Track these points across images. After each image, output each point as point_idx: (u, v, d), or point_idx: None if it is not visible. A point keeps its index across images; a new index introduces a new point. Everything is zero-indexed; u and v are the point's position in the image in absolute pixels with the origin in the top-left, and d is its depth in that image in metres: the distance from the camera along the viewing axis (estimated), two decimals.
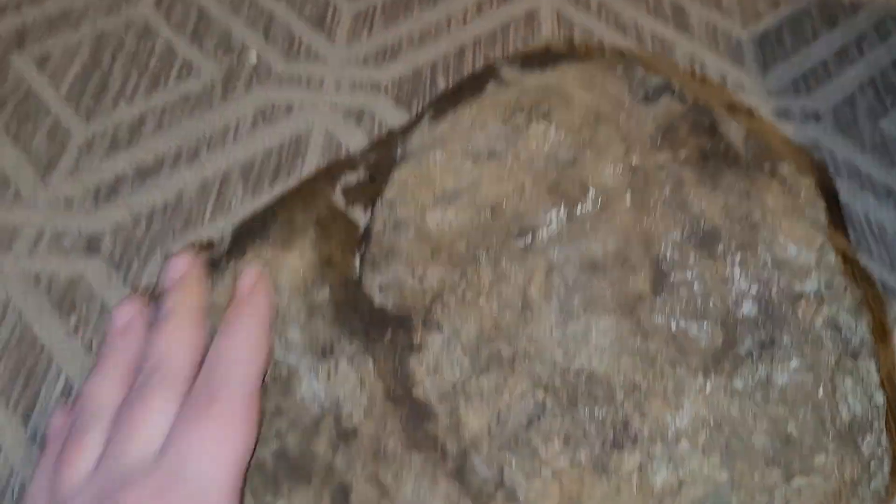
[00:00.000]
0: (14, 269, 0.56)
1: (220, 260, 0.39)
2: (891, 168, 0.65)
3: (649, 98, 0.41)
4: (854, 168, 0.65)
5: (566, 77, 0.41)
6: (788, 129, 0.68)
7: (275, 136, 0.65)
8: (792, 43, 0.75)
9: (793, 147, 0.60)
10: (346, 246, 0.39)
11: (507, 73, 0.42)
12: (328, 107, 0.68)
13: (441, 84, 0.70)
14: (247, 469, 0.33)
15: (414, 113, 0.66)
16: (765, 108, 0.69)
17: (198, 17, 0.74)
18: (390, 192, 0.39)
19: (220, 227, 0.59)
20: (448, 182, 0.38)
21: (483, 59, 0.72)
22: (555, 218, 0.37)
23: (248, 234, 0.40)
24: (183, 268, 0.38)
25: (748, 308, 0.35)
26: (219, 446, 0.31)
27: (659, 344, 0.34)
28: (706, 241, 0.36)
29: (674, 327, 0.35)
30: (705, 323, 0.35)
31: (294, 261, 0.38)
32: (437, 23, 0.75)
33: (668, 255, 0.36)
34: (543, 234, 0.37)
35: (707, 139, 0.39)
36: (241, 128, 0.66)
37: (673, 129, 0.39)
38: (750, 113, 0.61)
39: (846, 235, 0.59)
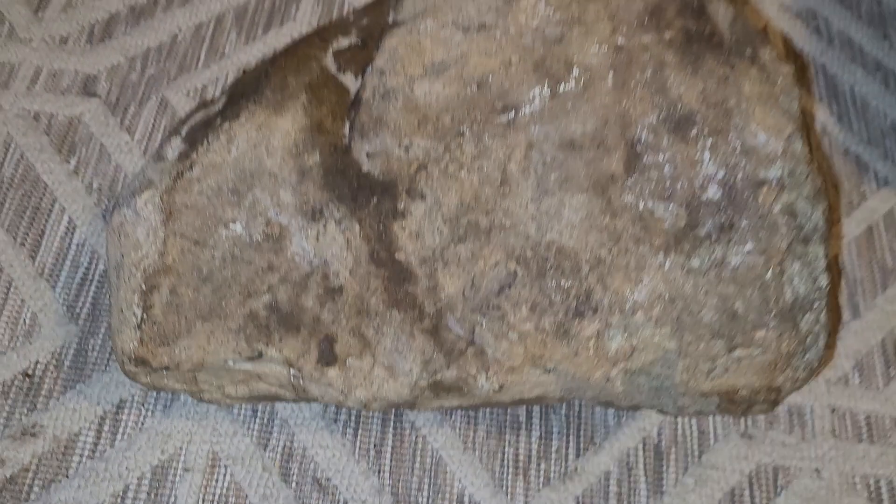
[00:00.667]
0: (13, 107, 0.57)
1: (214, 119, 0.41)
2: (883, 40, 0.66)
3: None
4: (847, 38, 0.66)
5: None
6: None
7: None
8: None
9: (777, 33, 0.60)
10: (336, 111, 0.40)
11: None
12: None
13: None
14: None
15: None
16: None
17: None
18: (380, 60, 0.40)
19: (213, 73, 0.60)
20: (437, 53, 0.39)
21: None
22: (538, 95, 0.38)
23: (241, 95, 0.41)
24: None
25: (713, 192, 0.37)
26: None
27: (626, 222, 0.37)
28: (681, 125, 0.38)
29: (641, 207, 0.37)
30: (671, 204, 0.37)
31: (286, 124, 0.40)
32: None
33: (643, 137, 0.38)
34: (526, 111, 0.38)
35: (693, 21, 0.39)
36: None
37: (661, 9, 0.40)
38: None
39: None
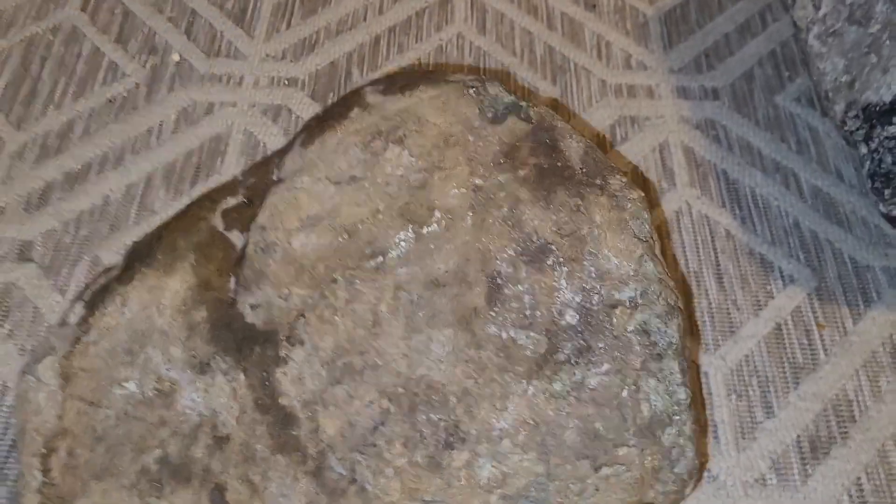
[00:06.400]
0: None
1: (111, 283, 0.43)
2: (780, 143, 0.69)
3: (497, 118, 0.44)
4: (746, 144, 0.69)
5: (422, 101, 0.45)
6: (686, 107, 0.71)
7: (196, 137, 0.69)
8: (697, 18, 0.78)
9: (626, 162, 0.64)
10: (223, 268, 0.43)
11: (371, 97, 0.46)
12: (247, 105, 0.71)
13: (356, 76, 0.73)
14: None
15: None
16: (665, 88, 0.73)
17: (123, 19, 0.77)
18: (262, 217, 0.43)
19: (143, 229, 0.63)
20: (312, 207, 0.42)
21: (398, 47, 0.75)
22: (403, 240, 0.41)
23: (136, 258, 0.44)
24: None
25: (570, 317, 0.39)
26: None
27: (490, 353, 0.39)
28: (537, 256, 0.40)
29: (504, 337, 0.39)
30: (532, 332, 0.39)
31: (175, 284, 0.42)
32: (355, 12, 0.78)
33: (502, 270, 0.40)
34: (393, 254, 0.41)
35: (546, 158, 0.42)
36: (164, 129, 0.69)
37: (515, 149, 0.43)
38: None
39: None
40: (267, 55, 0.74)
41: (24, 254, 0.62)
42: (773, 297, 0.61)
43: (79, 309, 0.44)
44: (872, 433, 0.55)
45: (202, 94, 0.72)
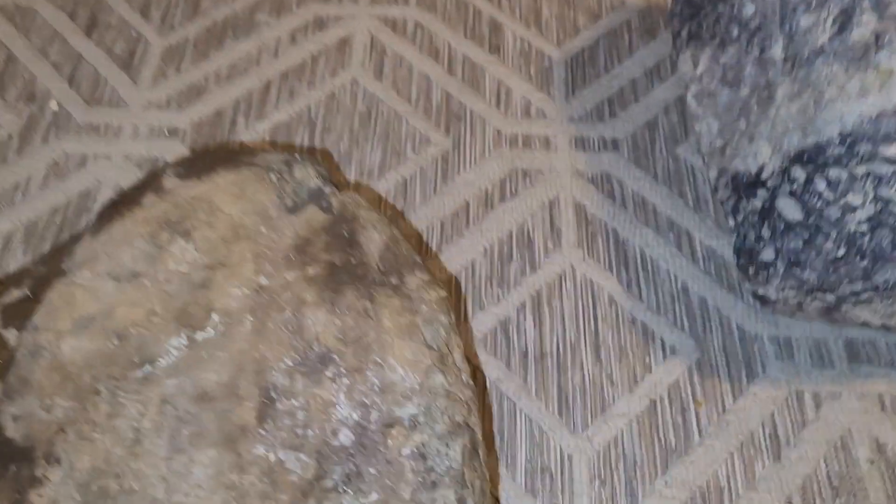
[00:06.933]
0: None
1: None
2: (678, 198, 0.65)
3: (298, 207, 0.41)
4: (641, 200, 0.65)
5: (218, 186, 0.41)
6: (582, 160, 0.68)
7: (64, 193, 0.66)
8: (605, 60, 0.75)
9: (434, 257, 0.60)
10: None
11: (168, 181, 0.42)
12: (122, 157, 0.68)
13: (241, 125, 0.70)
14: None
15: None
16: (563, 138, 0.69)
17: (5, 63, 0.74)
18: (38, 316, 0.40)
19: None
20: (88, 306, 0.39)
21: (289, 94, 0.72)
22: (175, 346, 0.38)
23: None
24: None
25: (344, 437, 0.36)
26: None
27: (254, 477, 0.36)
28: (317, 366, 0.37)
29: (272, 459, 0.36)
30: (302, 454, 0.36)
31: None
32: (248, 56, 0.75)
33: (277, 382, 0.37)
34: (163, 363, 0.38)
35: (341, 253, 0.39)
36: (31, 184, 0.66)
37: (309, 244, 0.40)
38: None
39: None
40: (150, 102, 0.71)
41: None
42: (650, 371, 0.57)
43: None
44: None
45: (77, 145, 0.69)
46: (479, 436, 0.38)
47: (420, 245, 0.63)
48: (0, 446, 0.38)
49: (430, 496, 0.35)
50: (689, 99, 0.55)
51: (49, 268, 0.43)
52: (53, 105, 0.71)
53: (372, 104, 0.71)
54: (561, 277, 0.61)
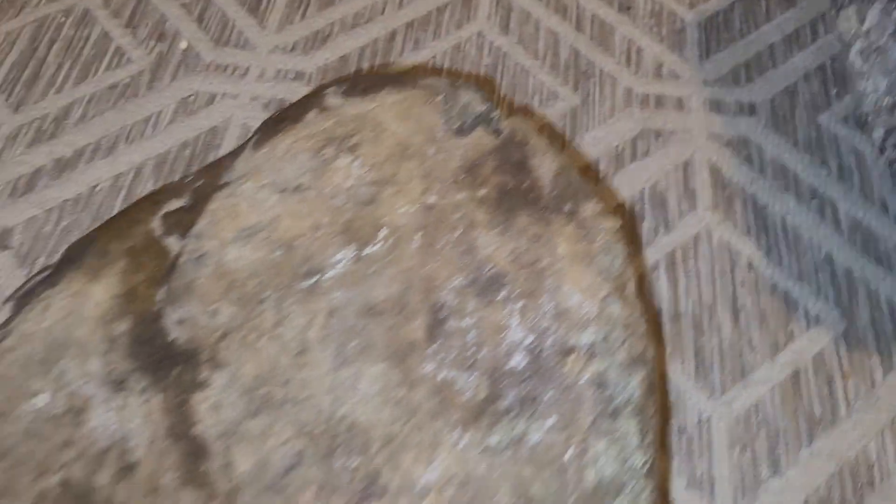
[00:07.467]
0: None
1: (36, 287, 0.40)
2: (819, 167, 0.62)
3: (464, 130, 0.40)
4: (781, 167, 0.63)
5: (384, 106, 0.40)
6: (718, 123, 0.65)
7: (192, 128, 0.66)
8: (741, 25, 0.72)
9: (604, 187, 0.58)
10: (154, 277, 0.40)
11: (331, 100, 0.42)
12: (249, 97, 0.68)
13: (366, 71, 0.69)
14: None
15: None
16: (697, 100, 0.67)
17: (136, 3, 0.74)
18: (201, 224, 0.40)
19: None
20: (252, 216, 0.39)
21: (414, 43, 0.71)
22: (343, 259, 0.37)
23: (68, 260, 0.41)
24: None
25: (518, 360, 0.34)
26: None
27: (423, 395, 0.34)
28: (488, 287, 0.36)
29: (441, 378, 0.35)
30: (473, 374, 0.34)
31: (100, 292, 0.39)
32: (373, 5, 0.74)
33: (447, 301, 0.36)
34: (330, 275, 0.37)
35: (511, 177, 0.38)
36: (161, 119, 0.67)
37: (478, 166, 0.38)
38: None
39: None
40: (276, 46, 0.71)
41: (2, 240, 0.60)
42: (793, 340, 0.54)
43: (6, 310, 0.41)
44: (893, 503, 0.48)
45: (205, 84, 0.69)
46: (657, 373, 0.36)
47: None
48: (163, 349, 0.38)
49: (611, 425, 0.33)
50: (853, 56, 0.52)
51: (207, 180, 0.43)
52: (183, 44, 0.71)
53: (498, 58, 0.70)
54: (696, 239, 0.59)
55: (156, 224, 0.41)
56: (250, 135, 0.42)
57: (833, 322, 0.55)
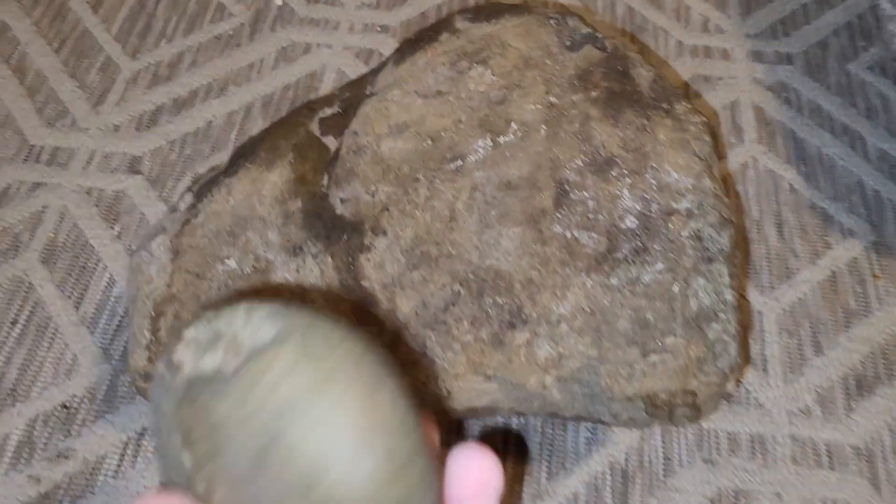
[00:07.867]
0: (70, 184, 0.67)
1: (218, 176, 0.49)
2: (850, 108, 0.71)
3: (574, 46, 0.48)
4: (816, 107, 0.71)
5: (506, 28, 0.49)
6: (759, 70, 0.74)
7: (293, 73, 0.74)
8: None
9: (693, 93, 0.66)
10: (318, 166, 0.48)
11: (460, 23, 0.50)
12: (341, 47, 0.76)
13: None
14: None
15: None
16: (740, 51, 0.75)
17: None
18: (355, 124, 0.48)
19: None
20: (401, 116, 0.47)
21: None
22: (481, 146, 0.45)
23: (241, 156, 0.49)
24: None
25: (630, 221, 0.43)
26: None
27: (554, 249, 0.43)
28: (603, 167, 0.44)
29: (568, 236, 0.43)
30: (593, 233, 0.43)
31: (275, 178, 0.47)
32: None
33: (570, 178, 0.44)
34: (471, 159, 0.45)
35: (617, 82, 0.46)
36: (264, 65, 0.75)
37: (589, 73, 0.47)
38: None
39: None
40: (363, 3, 0.79)
41: (133, 167, 0.68)
42: (830, 248, 0.63)
43: (188, 198, 0.50)
44: None
45: (301, 35, 0.77)
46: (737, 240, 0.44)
47: None
48: (332, 221, 0.46)
49: (708, 268, 0.42)
50: (884, 2, 0.61)
51: (352, 93, 0.51)
52: (279, 1, 0.79)
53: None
54: (744, 166, 0.68)
55: (314, 126, 0.50)
56: (386, 57, 0.50)
57: (864, 233, 0.64)
